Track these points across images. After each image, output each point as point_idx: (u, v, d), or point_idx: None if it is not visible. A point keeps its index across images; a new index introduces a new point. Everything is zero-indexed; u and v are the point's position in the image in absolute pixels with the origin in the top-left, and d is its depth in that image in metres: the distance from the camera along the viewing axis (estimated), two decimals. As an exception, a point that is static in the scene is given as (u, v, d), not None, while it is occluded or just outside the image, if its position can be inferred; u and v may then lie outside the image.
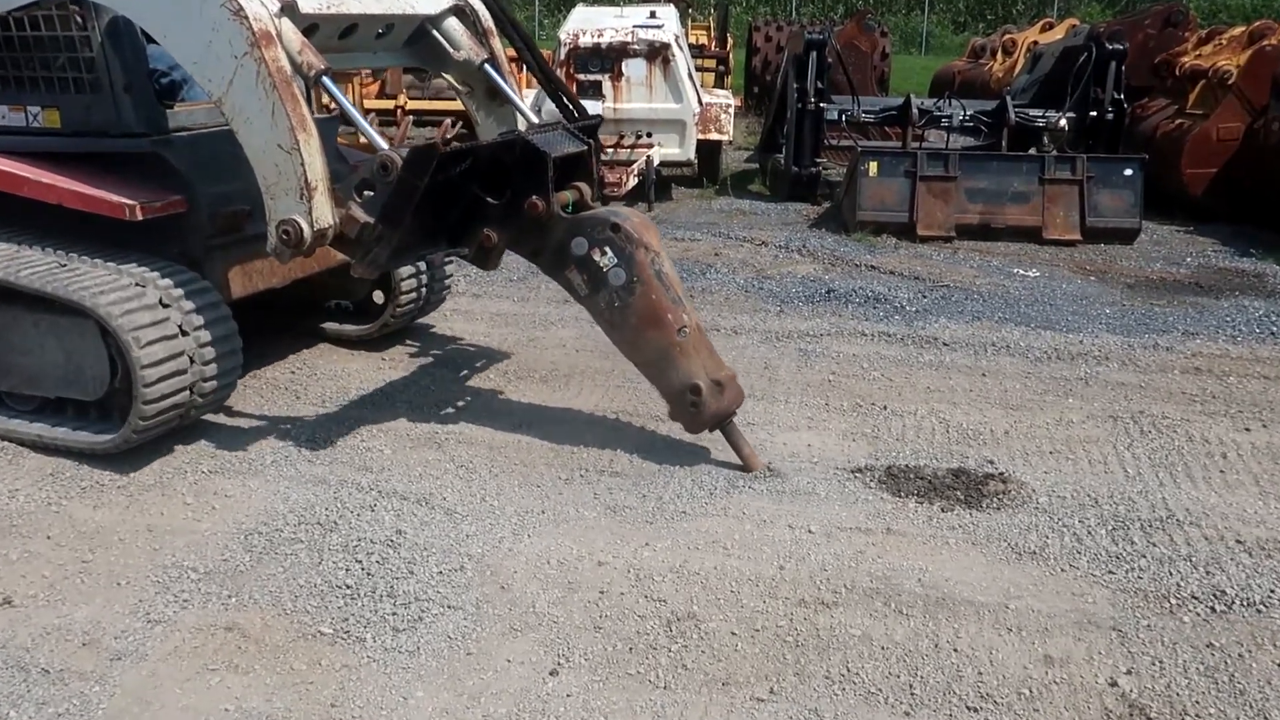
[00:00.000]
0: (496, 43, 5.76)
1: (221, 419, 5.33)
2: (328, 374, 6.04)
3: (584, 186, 5.04)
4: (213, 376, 4.83)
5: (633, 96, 11.49)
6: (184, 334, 4.70)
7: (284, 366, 6.12)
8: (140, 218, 4.72)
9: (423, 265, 6.41)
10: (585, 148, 5.10)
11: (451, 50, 5.53)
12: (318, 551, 4.07)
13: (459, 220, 4.88)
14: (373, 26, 5.19)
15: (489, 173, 4.80)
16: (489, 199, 4.82)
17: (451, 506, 4.47)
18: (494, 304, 7.64)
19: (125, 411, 4.66)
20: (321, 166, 4.38)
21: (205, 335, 4.77)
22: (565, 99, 5.68)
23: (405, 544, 4.13)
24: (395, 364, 6.25)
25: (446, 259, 6.61)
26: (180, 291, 4.76)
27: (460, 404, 5.64)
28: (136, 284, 4.68)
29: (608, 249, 4.73)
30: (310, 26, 4.66)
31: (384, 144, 4.40)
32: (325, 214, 4.40)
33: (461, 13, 5.58)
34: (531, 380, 6.03)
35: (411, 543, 4.14)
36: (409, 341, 6.72)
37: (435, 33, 5.52)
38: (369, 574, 3.91)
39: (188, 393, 4.76)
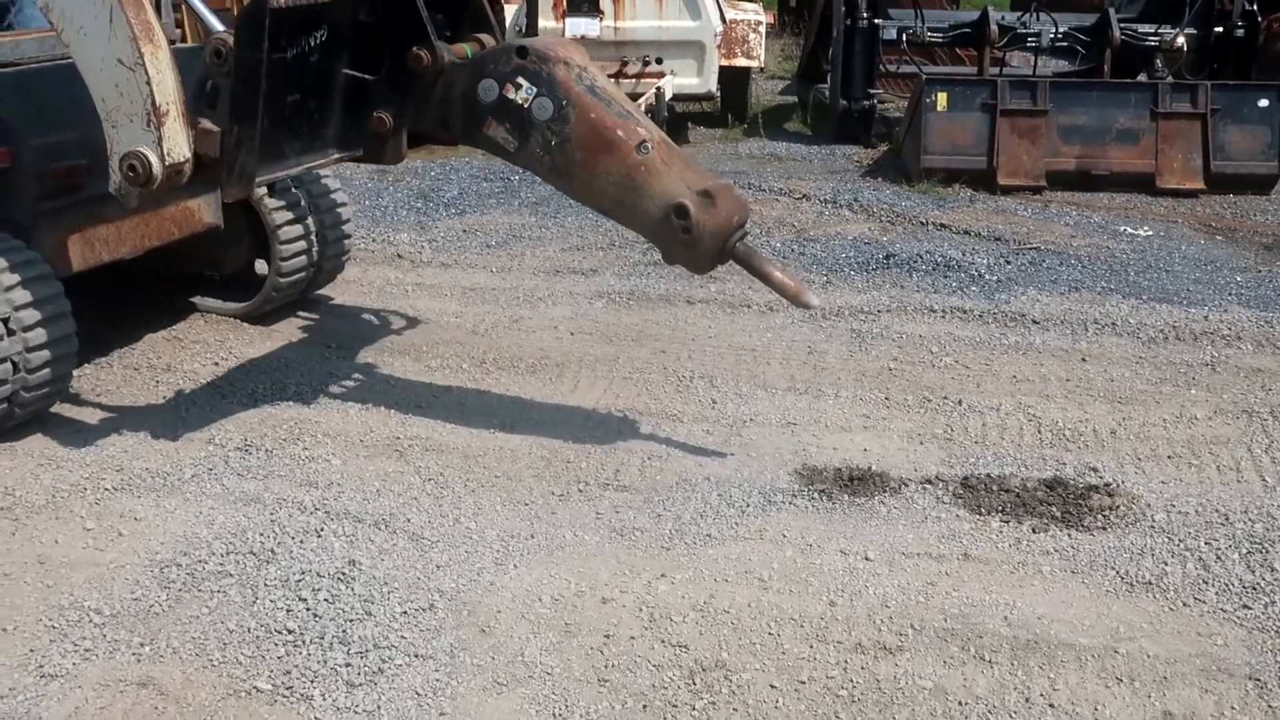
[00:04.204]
0: None
1: (128, 420, 5.36)
2: (260, 365, 6.05)
3: (484, 38, 5.09)
4: (38, 385, 4.95)
5: (638, 12, 11.46)
6: (10, 333, 4.79)
7: (205, 354, 6.13)
8: None
9: (312, 224, 6.48)
10: None
11: None
12: (251, 588, 4.08)
13: (344, 117, 4.92)
14: None
15: (359, 46, 4.84)
16: (367, 76, 4.88)
17: (418, 530, 4.48)
18: (467, 275, 7.64)
19: None
20: (173, 85, 4.41)
21: (36, 334, 4.86)
22: None
23: (361, 578, 4.14)
24: (345, 352, 6.27)
25: (330, 178, 6.66)
26: (6, 277, 4.80)
27: (427, 402, 5.65)
28: None
29: (521, 79, 4.75)
30: None
31: (218, 25, 4.43)
32: (180, 144, 4.45)
33: None
34: (516, 371, 6.04)
35: (368, 576, 4.16)
36: (361, 322, 6.73)
37: None
38: (316, 615, 3.93)
39: (6, 404, 4.90)
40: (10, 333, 4.80)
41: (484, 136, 4.89)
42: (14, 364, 4.83)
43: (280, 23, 4.41)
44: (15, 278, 4.84)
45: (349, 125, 4.95)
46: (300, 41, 4.59)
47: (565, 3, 11.44)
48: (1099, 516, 4.58)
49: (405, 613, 3.94)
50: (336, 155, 5.02)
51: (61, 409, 5.39)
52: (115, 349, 6.15)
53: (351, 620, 3.89)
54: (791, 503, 4.68)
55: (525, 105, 4.75)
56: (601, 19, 11.40)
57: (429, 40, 4.78)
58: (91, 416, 5.41)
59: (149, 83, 4.34)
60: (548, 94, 4.73)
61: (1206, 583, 4.12)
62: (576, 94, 4.73)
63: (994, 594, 4.05)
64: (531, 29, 10.57)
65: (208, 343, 6.31)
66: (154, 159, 4.39)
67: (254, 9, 4.32)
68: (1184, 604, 4.00)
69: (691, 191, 4.70)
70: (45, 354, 4.93)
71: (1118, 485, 4.82)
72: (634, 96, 11.03)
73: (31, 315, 4.86)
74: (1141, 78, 10.98)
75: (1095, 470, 4.96)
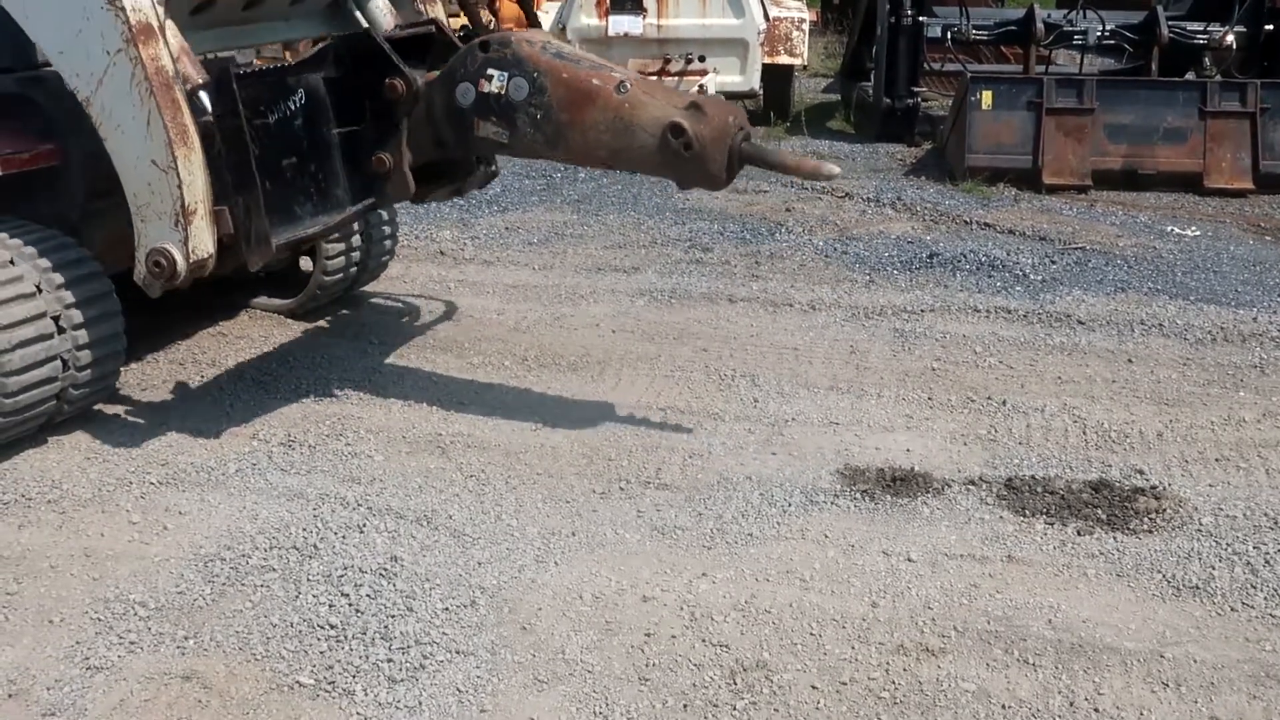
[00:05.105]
0: (439, 8, 5.91)
1: (173, 415, 5.40)
2: (304, 361, 6.09)
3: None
4: (86, 382, 5.01)
5: (681, 10, 11.47)
6: (60, 330, 4.84)
7: (249, 350, 6.18)
8: (0, 172, 4.86)
9: (355, 224, 6.52)
10: (430, 27, 5.32)
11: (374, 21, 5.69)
12: (294, 583, 4.10)
13: (347, 172, 5.06)
14: None
15: (340, 103, 4.98)
16: (355, 128, 5.01)
17: (459, 527, 4.49)
18: (509, 273, 7.66)
19: None
20: (203, 185, 4.54)
21: (86, 332, 4.91)
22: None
23: (402, 574, 4.15)
24: (387, 349, 6.30)
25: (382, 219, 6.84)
26: (58, 274, 4.86)
27: (469, 399, 5.67)
28: (8, 260, 4.79)
29: (490, 70, 4.81)
30: (205, 1, 4.89)
31: (210, 106, 4.57)
32: (205, 242, 4.59)
33: None
34: (558, 369, 6.05)
35: (410, 572, 4.17)
36: (404, 319, 6.76)
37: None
38: (358, 611, 3.94)
39: (55, 400, 4.95)
40: (61, 330, 4.84)
41: (477, 139, 4.94)
42: (64, 361, 4.87)
43: (250, 89, 4.55)
44: (66, 276, 4.89)
45: (354, 178, 5.07)
46: (279, 107, 4.73)
47: (608, 0, 11.47)
48: (1145, 519, 4.53)
49: (447, 609, 3.95)
50: (352, 209, 5.12)
51: (107, 404, 5.44)
52: (160, 344, 6.20)
53: (393, 616, 3.91)
54: (834, 503, 4.66)
55: (502, 92, 4.80)
56: (645, 16, 11.41)
57: (398, 69, 4.87)
58: (137, 411, 5.47)
59: (180, 185, 4.47)
60: (519, 73, 4.78)
61: (1255, 587, 4.07)
62: (545, 62, 4.78)
63: (1038, 596, 4.02)
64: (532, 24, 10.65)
65: (252, 338, 6.36)
66: (179, 256, 4.54)
67: (219, 77, 4.48)
68: (1232, 609, 3.96)
69: (679, 109, 4.70)
70: (95, 352, 4.97)
71: (1164, 488, 4.77)
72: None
73: (82, 313, 4.90)
74: (1189, 76, 10.89)
75: (1141, 472, 4.91)
